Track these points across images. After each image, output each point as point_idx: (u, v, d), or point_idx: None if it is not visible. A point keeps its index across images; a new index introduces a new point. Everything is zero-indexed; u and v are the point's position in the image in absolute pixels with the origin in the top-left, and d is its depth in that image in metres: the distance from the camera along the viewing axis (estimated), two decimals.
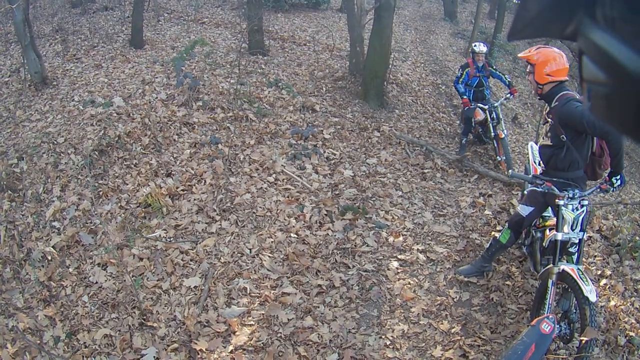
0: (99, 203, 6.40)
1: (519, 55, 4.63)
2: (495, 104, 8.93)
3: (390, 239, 5.99)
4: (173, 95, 9.18)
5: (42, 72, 10.28)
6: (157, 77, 10.14)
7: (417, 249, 5.80)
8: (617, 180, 4.27)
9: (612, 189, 4.31)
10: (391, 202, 6.94)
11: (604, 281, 5.21)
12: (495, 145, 8.93)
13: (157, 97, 9.06)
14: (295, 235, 5.80)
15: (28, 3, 10.84)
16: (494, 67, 9.46)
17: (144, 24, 13.23)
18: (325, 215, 6.29)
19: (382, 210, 6.64)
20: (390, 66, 11.53)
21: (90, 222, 6.07)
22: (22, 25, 9.78)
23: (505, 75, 9.45)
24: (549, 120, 4.46)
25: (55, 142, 7.80)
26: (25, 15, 9.91)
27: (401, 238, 6.00)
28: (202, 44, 10.82)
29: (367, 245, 5.80)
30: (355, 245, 5.76)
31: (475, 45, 9.20)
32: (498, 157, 8.84)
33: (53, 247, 5.64)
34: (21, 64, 10.67)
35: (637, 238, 5.92)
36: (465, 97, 9.11)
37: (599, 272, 5.38)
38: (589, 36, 0.74)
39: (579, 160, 4.40)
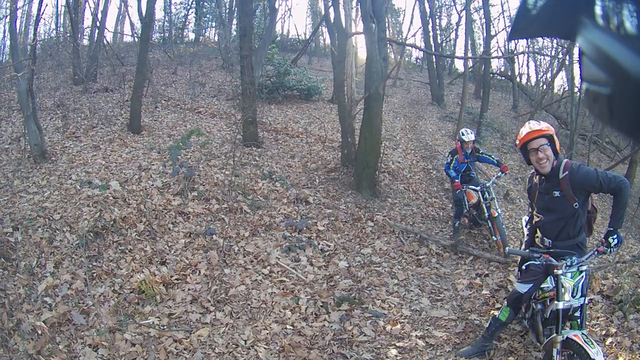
0: (92, 284, 6.37)
1: (526, 133, 4.47)
2: (487, 184, 8.97)
3: (388, 327, 5.91)
4: (169, 183, 9.37)
5: (41, 145, 10.46)
6: (153, 165, 10.36)
7: (416, 335, 5.72)
8: (614, 239, 4.26)
9: (609, 250, 4.34)
10: (387, 291, 6.94)
11: (609, 340, 5.17)
12: (490, 225, 8.84)
13: (153, 185, 9.24)
14: (291, 327, 5.78)
15: (33, 74, 11.16)
16: (481, 152, 9.54)
17: (142, 109, 13.58)
18: (321, 306, 6.27)
19: (378, 300, 6.62)
20: (381, 155, 11.82)
21: (83, 303, 6.01)
22: (25, 95, 10.05)
23: (493, 156, 9.59)
24: (556, 193, 4.46)
25: (51, 218, 7.85)
26: (29, 85, 10.21)
27: (399, 326, 5.93)
28: (198, 134, 11.19)
29: (365, 335, 5.72)
30: (352, 336, 5.70)
31: (463, 135, 9.21)
32: (493, 237, 8.79)
33: (44, 322, 5.56)
34: (22, 134, 10.90)
35: (639, 290, 5.91)
36: (457, 180, 9.02)
37: (604, 332, 5.35)
38: (589, 37, 0.78)
39: (584, 223, 4.51)
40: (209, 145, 11.96)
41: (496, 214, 8.67)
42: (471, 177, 9.40)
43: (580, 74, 0.86)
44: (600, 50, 0.74)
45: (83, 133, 12.39)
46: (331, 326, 5.89)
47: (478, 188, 8.89)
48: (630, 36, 0.70)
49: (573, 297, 4.27)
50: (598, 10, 0.75)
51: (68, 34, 21.93)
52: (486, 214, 8.74)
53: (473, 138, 9.21)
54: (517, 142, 4.62)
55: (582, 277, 4.34)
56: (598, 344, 4.00)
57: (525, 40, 38.76)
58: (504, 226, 8.85)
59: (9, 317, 5.80)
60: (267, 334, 5.61)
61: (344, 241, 8.64)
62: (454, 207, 9.96)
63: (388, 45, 15.26)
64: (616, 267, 7.22)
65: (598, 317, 5.71)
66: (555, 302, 4.32)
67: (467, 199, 9.07)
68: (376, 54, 10.80)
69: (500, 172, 9.08)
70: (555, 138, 4.39)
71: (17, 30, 16.99)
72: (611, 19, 0.73)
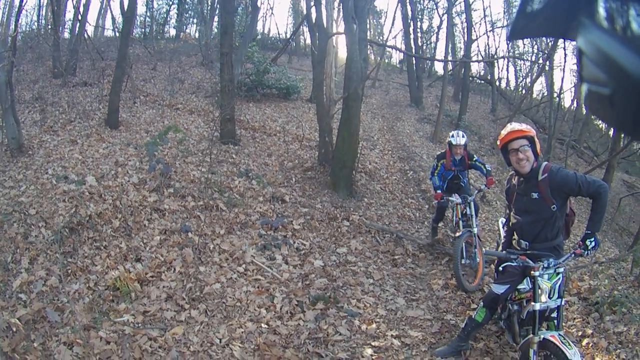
0: (67, 281, 6.36)
1: (507, 133, 4.56)
2: (469, 199, 7.95)
3: (363, 326, 5.92)
4: (145, 180, 9.36)
5: (19, 138, 10.42)
6: (130, 160, 10.35)
7: (391, 335, 5.77)
8: (591, 242, 4.30)
9: (586, 253, 4.38)
10: (363, 290, 6.99)
11: (586, 340, 5.28)
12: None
13: (129, 181, 9.22)
14: (266, 326, 5.79)
15: (12, 66, 11.06)
16: (474, 159, 8.53)
17: (120, 104, 13.54)
18: (296, 305, 6.29)
19: (353, 299, 6.67)
20: (358, 155, 11.94)
21: (57, 300, 5.99)
22: (4, 88, 9.98)
23: (486, 165, 8.46)
24: (534, 195, 4.54)
25: (26, 213, 7.82)
26: (8, 78, 10.13)
27: (374, 325, 5.95)
28: (176, 131, 11.14)
29: (340, 334, 5.74)
30: (327, 335, 5.70)
31: (452, 137, 8.38)
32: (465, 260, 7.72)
33: (18, 319, 5.55)
34: None
35: (616, 292, 6.04)
36: (439, 191, 8.34)
37: (580, 333, 5.46)
38: (589, 36, 0.77)
39: (561, 226, 4.60)
40: (186, 142, 11.96)
41: (474, 233, 7.70)
42: (460, 186, 8.67)
43: (579, 74, 0.82)
44: (600, 50, 0.75)
45: (61, 127, 12.34)
46: (306, 325, 5.91)
47: (459, 201, 8.10)
48: (637, 37, 0.69)
49: (550, 298, 4.32)
50: (601, 11, 0.75)
51: (49, 26, 21.76)
52: (460, 232, 7.75)
53: (462, 142, 8.31)
54: (498, 142, 4.68)
55: (559, 278, 4.39)
56: (575, 345, 4.07)
57: (508, 43, 39.26)
58: (479, 242, 7.82)
59: None
60: (242, 332, 5.61)
61: (320, 240, 8.71)
62: (434, 211, 9.52)
63: (368, 46, 15.31)
64: (592, 269, 7.36)
65: (574, 318, 5.84)
66: (532, 303, 4.35)
67: (455, 213, 8.42)
68: (356, 55, 10.87)
69: (484, 185, 8.24)
70: (536, 140, 4.48)
71: None
72: (616, 20, 0.73)
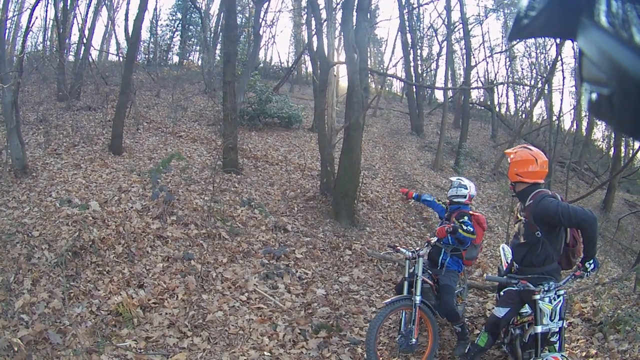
0: (69, 304, 6.38)
1: (505, 151, 4.86)
2: (421, 251, 5.93)
3: (366, 355, 5.77)
4: (148, 206, 9.40)
5: (23, 160, 10.49)
6: (133, 187, 10.41)
7: None
8: (590, 264, 4.38)
9: (586, 274, 4.46)
10: (365, 319, 6.94)
11: None
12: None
13: (132, 207, 9.26)
14: (269, 354, 5.79)
15: (19, 86, 11.18)
16: (462, 220, 5.92)
17: (124, 130, 13.64)
18: (299, 333, 6.30)
19: (356, 327, 6.66)
20: (360, 184, 11.94)
21: (60, 322, 6.00)
22: (10, 108, 10.08)
23: (465, 225, 5.80)
24: (522, 218, 4.68)
25: (29, 235, 7.84)
26: (14, 98, 10.22)
27: (377, 353, 5.81)
28: (179, 159, 11.21)
29: None
30: None
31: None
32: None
33: (20, 339, 5.54)
34: (4, 147, 10.86)
35: (619, 311, 6.04)
36: (413, 194, 7.09)
37: (584, 354, 5.45)
38: (589, 37, 0.77)
39: (553, 254, 4.57)
40: (189, 170, 12.05)
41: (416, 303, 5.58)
42: (437, 254, 6.37)
43: (580, 74, 0.82)
44: (600, 50, 0.75)
45: (64, 150, 12.44)
46: (309, 353, 5.93)
47: (408, 254, 6.09)
48: (637, 38, 0.69)
49: (551, 320, 4.36)
50: (602, 12, 0.75)
51: (55, 49, 21.98)
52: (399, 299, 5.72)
53: (453, 193, 6.43)
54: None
55: (560, 301, 4.44)
56: None
57: (507, 68, 39.52)
58: (434, 339, 5.70)
59: None
60: None
61: (322, 269, 8.71)
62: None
63: (369, 75, 15.48)
64: (595, 290, 7.35)
65: (578, 340, 5.84)
66: (534, 326, 4.40)
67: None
68: (357, 84, 10.96)
69: (435, 238, 6.10)
70: (514, 168, 4.68)
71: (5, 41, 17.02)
72: (617, 20, 0.73)
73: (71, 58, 23.12)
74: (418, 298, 5.55)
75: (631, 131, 0.75)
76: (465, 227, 5.80)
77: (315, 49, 16.00)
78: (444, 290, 5.95)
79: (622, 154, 22.51)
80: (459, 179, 6.54)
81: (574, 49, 28.69)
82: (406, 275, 6.03)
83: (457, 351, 5.80)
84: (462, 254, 6.21)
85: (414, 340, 5.50)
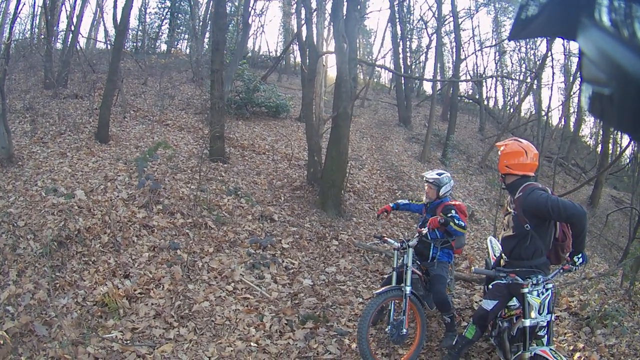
0: (55, 295, 6.34)
1: (496, 143, 4.86)
2: (410, 242, 5.89)
3: (353, 345, 5.86)
4: (134, 195, 9.36)
5: (9, 148, 10.42)
6: (119, 175, 10.35)
7: (382, 354, 5.74)
8: (578, 259, 4.40)
9: (574, 268, 4.48)
10: (352, 309, 6.97)
11: (577, 354, 5.31)
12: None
13: (118, 196, 9.22)
14: (256, 344, 5.78)
15: (5, 74, 11.05)
16: (450, 214, 5.82)
17: (110, 118, 13.54)
18: (286, 324, 6.30)
19: (343, 318, 6.64)
20: (347, 175, 11.95)
21: (45, 314, 5.98)
22: None
23: (457, 220, 5.71)
24: (511, 211, 4.68)
25: (15, 225, 7.81)
26: (0, 86, 10.10)
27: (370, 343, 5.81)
28: (165, 147, 11.15)
29: (330, 353, 5.76)
30: (317, 354, 5.74)
31: (424, 174, 6.53)
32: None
33: (6, 332, 5.50)
34: None
35: (606, 306, 6.11)
36: (392, 205, 6.93)
37: (571, 348, 5.49)
38: (589, 36, 0.78)
39: (542, 247, 4.57)
40: (175, 158, 11.98)
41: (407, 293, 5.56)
42: (425, 247, 6.25)
43: (580, 74, 0.86)
44: (600, 50, 0.75)
45: (51, 139, 12.35)
46: (296, 344, 5.92)
47: (396, 245, 6.06)
48: (637, 38, 0.70)
49: (539, 314, 4.38)
50: (602, 12, 0.76)
51: (42, 36, 21.76)
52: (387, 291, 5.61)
53: (430, 178, 6.30)
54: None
55: (548, 295, 4.45)
56: (567, 359, 4.13)
57: (497, 62, 39.66)
58: (422, 330, 5.64)
59: None
60: (232, 351, 5.62)
61: (309, 259, 8.71)
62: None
63: (358, 65, 15.44)
64: (582, 285, 7.41)
65: (565, 333, 5.87)
66: (522, 319, 4.40)
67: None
68: (346, 74, 10.92)
69: (425, 229, 5.94)
70: (504, 160, 4.70)
71: None
72: (616, 20, 0.74)
73: (59, 45, 23.00)
74: (408, 288, 5.54)
75: (631, 130, 0.76)
76: (457, 222, 5.75)
77: (304, 38, 15.89)
78: (436, 280, 5.93)
79: (610, 151, 22.67)
80: (444, 174, 6.38)
81: (564, 45, 28.88)
82: (395, 266, 6.06)
83: (445, 342, 5.78)
84: (452, 245, 6.18)
85: (404, 330, 5.46)
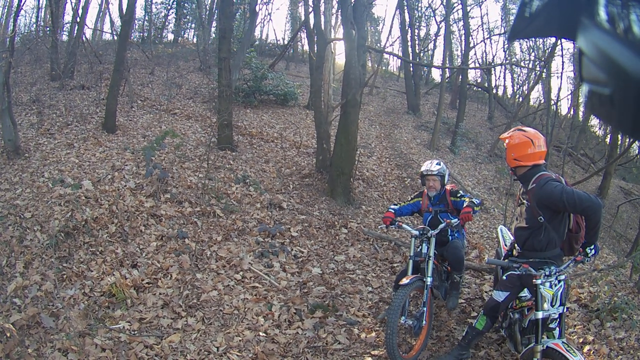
0: (62, 286, 6.29)
1: (500, 136, 4.80)
2: (430, 233, 5.76)
3: (363, 335, 5.86)
4: (142, 185, 9.28)
5: (15, 140, 10.37)
6: (126, 165, 10.26)
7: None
8: (591, 250, 4.36)
9: (586, 260, 4.40)
10: (361, 298, 6.90)
11: (587, 347, 5.26)
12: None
13: (125, 185, 9.13)
14: (264, 334, 5.72)
15: (10, 67, 11.00)
16: (459, 195, 6.07)
17: (117, 108, 13.47)
18: (294, 313, 6.25)
19: (352, 307, 6.58)
20: (356, 162, 11.87)
21: (52, 305, 5.93)
22: (1, 88, 9.91)
23: (474, 199, 5.84)
24: (525, 202, 4.57)
25: (22, 217, 7.76)
26: (6, 78, 10.07)
27: (374, 334, 5.90)
28: (173, 136, 11.07)
29: (339, 343, 5.71)
30: (326, 343, 5.68)
31: (423, 169, 6.29)
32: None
33: (13, 324, 5.44)
34: None
35: (616, 299, 6.05)
36: (391, 209, 6.48)
37: (581, 340, 5.44)
38: (589, 37, 0.78)
39: (556, 239, 4.49)
40: (183, 147, 11.87)
41: (427, 284, 5.51)
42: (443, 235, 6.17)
43: (580, 74, 0.82)
44: (600, 50, 0.75)
45: (57, 130, 12.28)
46: (305, 333, 5.86)
47: (415, 233, 5.87)
48: (637, 38, 0.70)
49: (552, 306, 4.30)
50: (602, 12, 0.76)
51: (48, 28, 21.70)
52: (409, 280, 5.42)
53: (435, 169, 6.13)
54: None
55: (561, 286, 4.37)
56: (579, 352, 4.04)
57: (505, 50, 39.34)
58: (430, 319, 5.63)
59: None
60: (240, 340, 5.56)
61: (318, 247, 8.64)
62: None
63: (366, 52, 15.33)
64: (592, 276, 7.33)
65: (575, 326, 5.81)
66: (534, 311, 4.32)
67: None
68: (355, 61, 10.81)
69: (455, 219, 5.83)
70: (511, 153, 4.57)
71: None
72: (616, 21, 0.74)
73: (65, 37, 22.86)
74: (429, 279, 5.49)
75: (631, 130, 0.76)
76: (475, 203, 5.74)
77: (312, 25, 15.78)
78: (454, 245, 6.03)
79: (619, 142, 22.46)
80: (440, 161, 6.35)
81: None
82: (411, 254, 5.87)
83: (452, 303, 5.95)
84: (461, 222, 5.87)
85: (424, 322, 5.39)
